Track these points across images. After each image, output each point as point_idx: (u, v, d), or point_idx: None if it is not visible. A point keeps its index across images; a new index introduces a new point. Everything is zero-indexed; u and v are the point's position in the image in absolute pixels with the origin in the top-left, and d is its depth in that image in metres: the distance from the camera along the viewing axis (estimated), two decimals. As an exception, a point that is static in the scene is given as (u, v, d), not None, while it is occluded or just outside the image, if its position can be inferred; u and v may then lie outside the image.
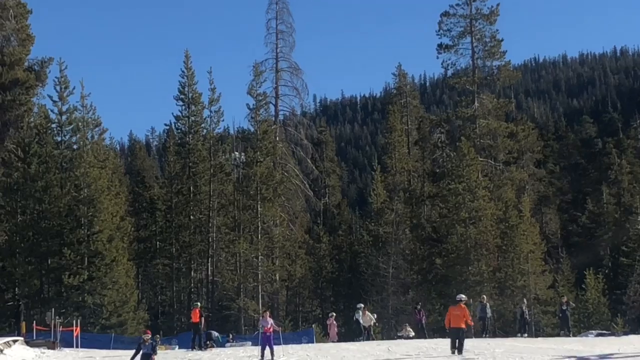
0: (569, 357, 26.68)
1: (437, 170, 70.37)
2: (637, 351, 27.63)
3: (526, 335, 45.02)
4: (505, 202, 65.09)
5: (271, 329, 26.82)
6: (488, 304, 46.57)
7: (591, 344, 34.47)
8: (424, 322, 45.26)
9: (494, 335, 46.51)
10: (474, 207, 62.39)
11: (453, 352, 28.14)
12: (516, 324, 51.10)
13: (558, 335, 46.29)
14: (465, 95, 71.71)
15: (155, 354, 25.28)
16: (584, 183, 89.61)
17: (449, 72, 72.61)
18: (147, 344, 24.77)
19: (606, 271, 71.08)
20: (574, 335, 44.74)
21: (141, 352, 24.53)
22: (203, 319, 38.76)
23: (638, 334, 44.77)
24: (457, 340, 28.56)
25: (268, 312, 28.73)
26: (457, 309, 29.64)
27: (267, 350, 26.68)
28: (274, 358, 26.52)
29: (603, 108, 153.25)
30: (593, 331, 49.80)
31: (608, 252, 76.65)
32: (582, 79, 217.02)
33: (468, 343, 32.21)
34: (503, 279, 61.96)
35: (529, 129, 73.87)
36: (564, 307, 45.11)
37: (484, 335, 42.63)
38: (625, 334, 46.03)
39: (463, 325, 29.10)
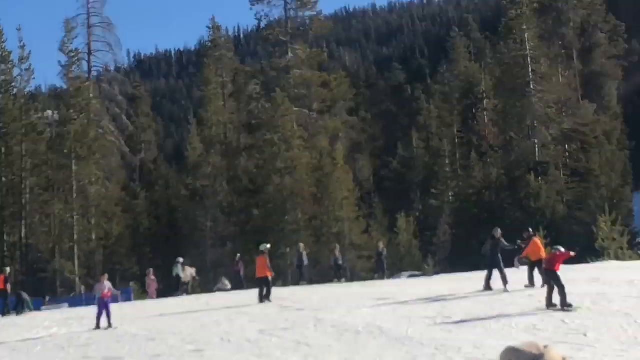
0: (383, 298, 26.83)
1: (253, 122, 70.29)
2: (452, 292, 27.78)
3: (343, 280, 44.55)
4: (319, 151, 66.18)
5: (109, 294, 25.54)
6: (304, 252, 46.03)
7: (403, 285, 35.33)
8: (242, 273, 45.11)
9: (311, 282, 45.34)
10: (290, 157, 62.70)
11: (261, 301, 28.03)
12: (332, 271, 51.04)
13: (373, 278, 45.94)
14: (279, 46, 71.42)
15: None
16: (394, 129, 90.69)
17: (263, 24, 72.84)
18: None
19: (417, 214, 71.80)
20: (388, 278, 44.87)
21: None
22: (9, 284, 37.33)
23: (447, 273, 45.80)
24: (264, 289, 28.64)
25: (106, 276, 27.14)
26: (260, 259, 30.04)
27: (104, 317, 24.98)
28: (112, 323, 24.78)
29: (412, 55, 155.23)
30: (405, 272, 50.42)
31: (418, 195, 77.67)
32: (391, 27, 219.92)
33: (284, 291, 32.70)
34: (319, 227, 62.53)
35: (341, 77, 75.11)
36: (381, 251, 45.42)
37: (301, 283, 42.79)
38: (436, 273, 47.56)
39: (268, 274, 29.22)
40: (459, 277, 35.75)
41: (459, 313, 22.33)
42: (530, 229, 29.58)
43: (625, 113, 76.65)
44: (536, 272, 25.68)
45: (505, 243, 27.49)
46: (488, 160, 72.09)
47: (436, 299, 26.45)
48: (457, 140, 78.44)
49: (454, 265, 54.13)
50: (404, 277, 46.51)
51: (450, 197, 73.37)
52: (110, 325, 24.80)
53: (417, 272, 51.45)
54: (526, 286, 26.20)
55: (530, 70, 68.24)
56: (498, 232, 28.18)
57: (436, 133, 79.11)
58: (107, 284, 25.95)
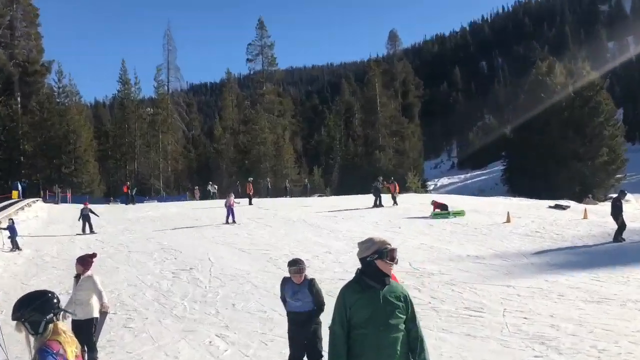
0: (307, 206, 31.68)
1: (246, 119, 72.52)
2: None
3: (289, 196, 43.91)
4: (277, 135, 69.80)
5: (233, 203, 23.87)
6: (269, 182, 49.77)
7: (315, 200, 37.69)
8: (239, 190, 43.29)
9: (273, 196, 45.49)
10: (263, 137, 68.25)
11: (250, 204, 28.93)
12: (282, 191, 49.06)
13: (302, 196, 45.74)
14: (259, 83, 74.19)
15: (95, 213, 23.56)
16: (313, 126, 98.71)
17: (251, 72, 74.91)
18: (87, 209, 23.09)
19: (323, 166, 77.30)
20: (309, 197, 44.72)
21: (83, 214, 22.94)
22: (129, 190, 39.71)
23: (337, 195, 47.10)
24: (251, 199, 29.94)
25: (232, 194, 25.10)
26: (248, 184, 33.36)
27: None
28: (235, 221, 23.16)
29: (324, 92, 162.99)
30: (316, 194, 50.39)
31: (324, 157, 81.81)
32: (311, 77, 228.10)
33: (260, 201, 37.16)
34: (277, 170, 68.23)
35: (289, 100, 79.49)
36: (306, 183, 49.70)
37: (267, 197, 43.23)
38: (331, 195, 48.35)
39: (251, 192, 31.83)
40: (342, 198, 37.85)
41: (341, 214, 25.82)
42: (392, 178, 31.74)
43: (422, 122, 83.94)
44: None
45: None
46: (357, 143, 76.92)
47: (331, 207, 28.65)
48: (342, 133, 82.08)
49: (340, 191, 58.02)
50: (316, 196, 47.27)
51: (339, 159, 78.71)
52: (234, 221, 23.21)
53: (322, 194, 54.09)
54: (394, 205, 27.86)
55: (378, 101, 74.86)
56: (380, 179, 29.92)
57: (333, 129, 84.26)
58: (232, 197, 24.20)
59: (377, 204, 27.67)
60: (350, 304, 3.94)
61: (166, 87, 74.06)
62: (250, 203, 32.30)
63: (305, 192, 48.93)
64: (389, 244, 4.01)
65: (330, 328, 4.04)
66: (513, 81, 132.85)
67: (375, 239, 4.06)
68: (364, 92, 78.24)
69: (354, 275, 4.06)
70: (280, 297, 6.55)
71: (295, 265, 6.31)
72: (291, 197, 43.93)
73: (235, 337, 8.86)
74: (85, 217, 22.78)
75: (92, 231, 22.66)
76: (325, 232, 20.00)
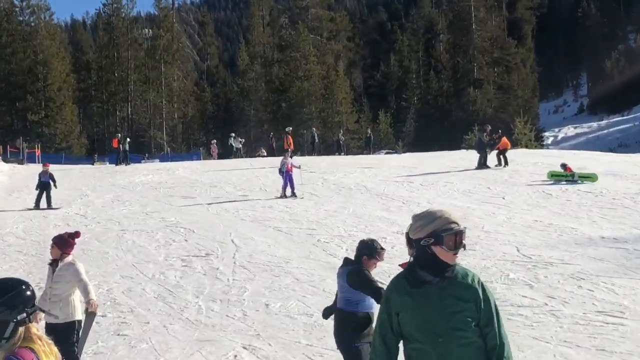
0: (368, 167, 30.07)
1: (282, 44, 78.75)
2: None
3: (343, 153, 48.22)
4: (327, 65, 75.71)
5: (292, 168, 24.03)
6: (316, 133, 52.03)
7: (382, 159, 38.57)
8: (274, 146, 47.20)
9: (320, 154, 49.77)
10: (307, 69, 72.86)
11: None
12: (333, 146, 57.98)
13: (362, 153, 49.54)
14: None
15: (55, 181, 23.54)
16: (378, 52, 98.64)
17: None
18: (47, 174, 23.36)
19: (392, 111, 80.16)
20: (372, 154, 47.87)
21: (41, 181, 23.23)
22: (121, 144, 40.64)
23: (412, 152, 48.39)
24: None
25: (287, 156, 25.36)
26: (286, 137, 34.39)
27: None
28: (295, 193, 23.32)
29: (391, 1, 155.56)
30: (383, 150, 56.03)
31: (394, 98, 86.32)
32: None
33: (302, 159, 34.80)
34: (326, 117, 73.11)
35: (342, 15, 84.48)
36: (368, 135, 50.60)
37: (313, 154, 46.83)
38: (404, 152, 51.63)
39: (291, 147, 32.03)
40: (421, 156, 38.66)
41: (419, 179, 25.14)
42: (500, 131, 31.22)
43: (536, 47, 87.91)
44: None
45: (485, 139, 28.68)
46: (442, 76, 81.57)
47: (404, 169, 29.51)
48: (421, 62, 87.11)
49: (416, 147, 60.73)
50: (382, 153, 50.07)
51: (415, 101, 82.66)
52: (294, 194, 23.32)
53: (391, 150, 57.39)
54: (496, 165, 28.61)
55: (472, 15, 78.31)
56: (487, 128, 30.65)
57: (407, 56, 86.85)
58: (289, 160, 24.41)
59: (482, 164, 28.31)
60: (398, 309, 3.88)
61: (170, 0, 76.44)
62: (272, 154, 33.81)
63: (367, 147, 50.30)
64: (456, 223, 3.87)
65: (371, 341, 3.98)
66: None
67: (436, 212, 3.93)
68: (453, 3, 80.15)
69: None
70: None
71: (376, 246, 6.49)
72: (347, 154, 46.07)
73: (269, 350, 8.89)
74: (44, 185, 23.25)
75: (49, 205, 23.02)
76: (396, 205, 20.38)
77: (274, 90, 75.21)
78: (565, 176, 23.77)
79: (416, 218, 3.95)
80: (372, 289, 6.29)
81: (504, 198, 20.87)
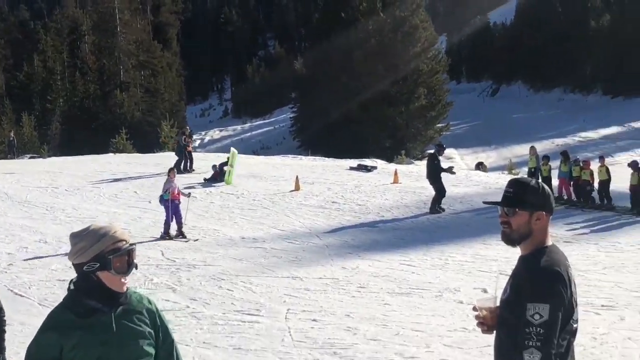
0: (9, 173, 29.05)
1: None
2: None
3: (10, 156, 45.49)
4: None
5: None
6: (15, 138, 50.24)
7: (26, 163, 37.29)
8: None
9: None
10: None
11: None
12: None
13: (5, 158, 45.96)
14: None
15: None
16: (21, 52, 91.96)
17: None
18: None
19: (37, 114, 76.11)
20: (16, 158, 45.10)
21: None
22: None
23: (57, 157, 46.36)
24: None
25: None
26: None
27: None
28: None
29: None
30: (27, 154, 51.16)
31: (38, 100, 79.77)
32: None
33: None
34: None
35: None
36: (12, 139, 48.90)
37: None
38: (49, 156, 48.75)
39: None
40: (67, 160, 36.91)
41: (65, 184, 24.81)
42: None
43: (182, 51, 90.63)
44: None
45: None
46: (89, 78, 79.63)
47: (48, 174, 28.79)
48: (66, 63, 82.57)
49: (64, 150, 59.05)
50: (26, 157, 46.44)
51: (61, 103, 78.97)
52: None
53: (35, 155, 51.87)
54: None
55: (117, 17, 77.69)
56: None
57: (51, 57, 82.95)
58: None
59: (186, 168, 28.08)
60: (68, 347, 3.29)
61: None
62: None
63: (10, 151, 48.48)
64: (125, 240, 3.42)
65: None
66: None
67: (99, 230, 3.42)
68: (97, 4, 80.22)
69: (66, 292, 3.45)
70: None
71: None
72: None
73: None
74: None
75: None
76: (39, 212, 20.24)
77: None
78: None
79: (76, 239, 3.42)
80: None
81: (150, 202, 20.94)
